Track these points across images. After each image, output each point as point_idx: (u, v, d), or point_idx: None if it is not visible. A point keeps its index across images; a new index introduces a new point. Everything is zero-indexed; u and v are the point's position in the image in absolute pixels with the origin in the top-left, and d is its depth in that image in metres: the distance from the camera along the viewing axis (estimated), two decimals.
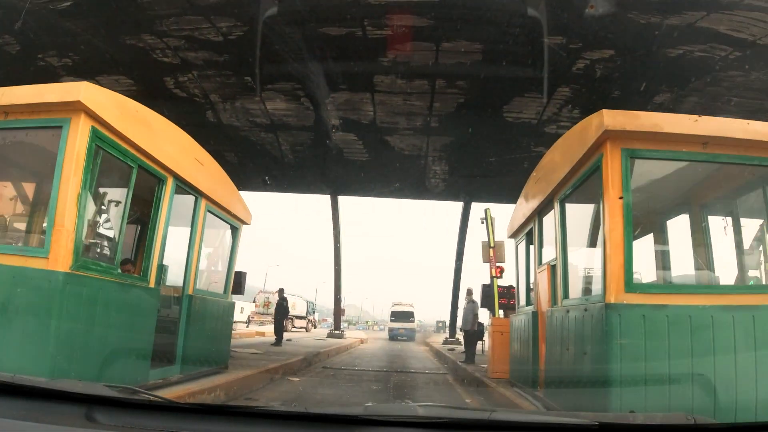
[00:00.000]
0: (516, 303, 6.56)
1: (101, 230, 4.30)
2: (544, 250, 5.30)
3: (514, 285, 7.78)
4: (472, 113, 12.02)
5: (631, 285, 3.38)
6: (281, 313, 11.61)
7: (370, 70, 10.78)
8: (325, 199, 15.42)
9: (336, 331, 17.26)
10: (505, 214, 13.68)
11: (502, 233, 9.39)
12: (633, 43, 9.80)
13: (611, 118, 3.49)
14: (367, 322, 70.65)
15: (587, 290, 4.46)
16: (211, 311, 5.67)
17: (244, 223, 6.75)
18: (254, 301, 28.78)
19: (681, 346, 3.22)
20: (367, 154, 13.33)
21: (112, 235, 4.27)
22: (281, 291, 11.98)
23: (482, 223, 9.04)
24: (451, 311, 16.66)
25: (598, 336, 3.39)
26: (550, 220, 4.96)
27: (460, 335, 17.49)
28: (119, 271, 4.09)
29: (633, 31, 9.03)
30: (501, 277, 7.93)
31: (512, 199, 14.91)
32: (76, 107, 3.69)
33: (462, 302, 17.71)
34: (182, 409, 1.41)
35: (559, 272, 4.47)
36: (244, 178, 15.11)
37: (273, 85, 11.77)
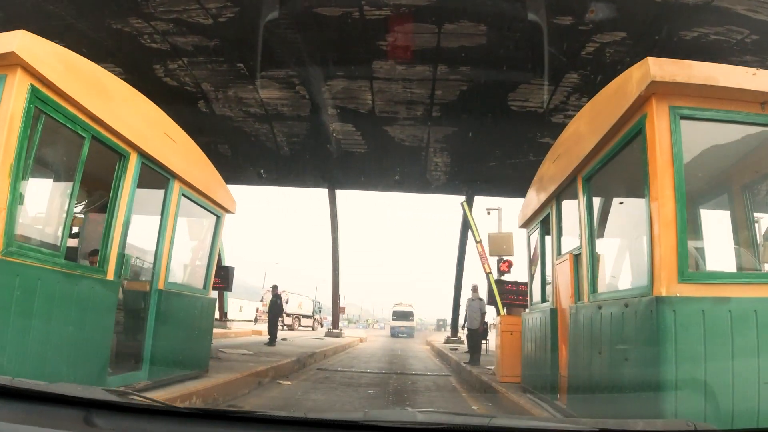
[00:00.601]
0: (528, 299, 5.84)
1: (45, 212, 3.60)
2: (563, 238, 4.58)
3: (522, 279, 7.05)
4: (476, 102, 11.31)
5: (686, 273, 2.67)
6: (275, 311, 10.91)
7: (369, 54, 10.08)
8: (322, 194, 14.72)
9: (334, 330, 16.52)
10: (509, 208, 12.93)
11: (510, 225, 8.71)
12: (646, 25, 9.08)
13: (659, 68, 2.78)
14: (367, 320, 69.99)
15: (622, 282, 3.77)
16: (186, 308, 4.96)
17: (227, 211, 6.05)
18: (261, 300, 28.77)
19: (747, 348, 2.51)
20: (365, 145, 12.63)
21: (59, 218, 3.56)
22: (275, 288, 11.29)
23: (488, 214, 8.32)
24: (453, 309, 15.91)
25: (646, 336, 2.68)
26: (571, 203, 4.25)
27: (462, 334, 16.78)
28: (64, 260, 3.37)
29: (646, 12, 8.33)
30: (509, 271, 7.22)
31: (516, 192, 14.19)
32: (11, 60, 3.00)
33: (465, 300, 17.02)
34: (181, 413, 1.37)
35: (584, 262, 3.75)
36: (239, 171, 14.41)
37: (266, 72, 11.06)
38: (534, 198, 5.41)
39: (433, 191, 14.22)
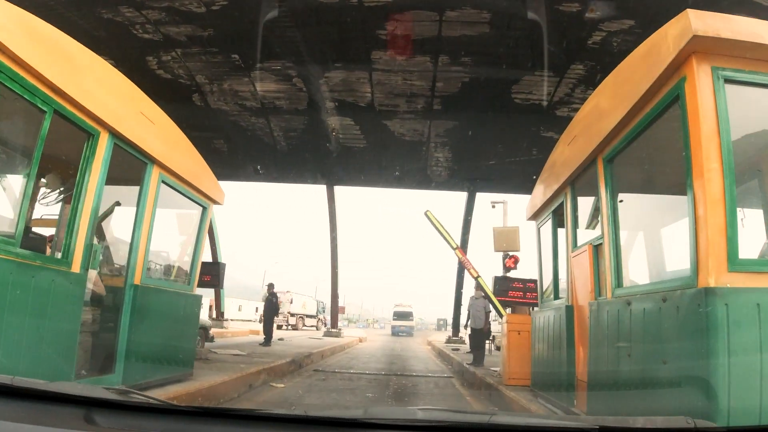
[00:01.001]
0: (539, 297, 5.39)
1: None
2: (578, 229, 4.14)
3: (529, 276, 6.59)
4: (478, 94, 10.89)
5: (736, 261, 2.23)
6: (270, 309, 10.45)
7: (367, 44, 9.66)
8: (321, 191, 14.28)
9: (333, 330, 16.04)
10: (513, 203, 12.47)
11: (516, 219, 8.26)
12: (655, 13, 8.64)
13: (701, 22, 2.35)
14: (367, 320, 69.51)
15: (655, 274, 3.34)
16: (167, 305, 4.51)
17: (214, 202, 5.61)
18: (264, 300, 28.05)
19: None
20: (364, 140, 12.19)
21: (15, 202, 3.12)
22: (270, 286, 10.83)
23: (493, 208, 7.87)
24: (454, 308, 15.45)
25: (690, 335, 2.24)
26: (590, 187, 3.81)
27: (463, 334, 16.32)
28: (20, 248, 2.94)
29: None
30: (516, 268, 6.76)
31: (519, 188, 13.77)
32: None
33: (466, 298, 16.53)
34: (181, 411, 1.36)
35: (607, 253, 3.31)
36: (235, 168, 13.99)
37: (262, 64, 10.64)
38: (544, 187, 4.97)
39: (434, 187, 13.79)
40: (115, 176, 3.74)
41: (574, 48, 9.73)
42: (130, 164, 3.99)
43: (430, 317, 64.53)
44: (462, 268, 14.58)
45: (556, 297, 4.68)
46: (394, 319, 32.98)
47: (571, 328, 3.92)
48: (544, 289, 5.15)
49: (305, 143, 12.56)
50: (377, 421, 1.25)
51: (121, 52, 10.67)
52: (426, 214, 7.17)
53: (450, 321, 34.74)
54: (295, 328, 24.85)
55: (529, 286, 6.29)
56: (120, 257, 4.36)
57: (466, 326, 10.87)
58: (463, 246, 14.63)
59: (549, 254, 4.85)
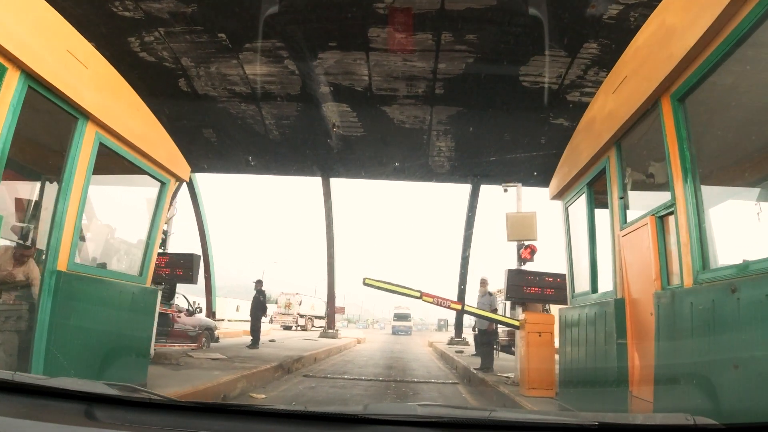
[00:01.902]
0: (569, 291, 4.42)
1: None
2: (629, 200, 3.18)
3: (546, 268, 5.62)
4: (483, 77, 9.96)
5: None
6: (257, 308, 9.45)
7: (364, 20, 8.72)
8: (316, 183, 13.33)
9: (330, 331, 15.04)
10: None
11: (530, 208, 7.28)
12: None
13: None
14: (367, 320, 68.43)
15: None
16: (108, 299, 3.56)
17: (177, 178, 4.67)
18: (276, 302, 29.45)
19: None
20: (362, 128, 11.25)
21: None
22: (258, 283, 9.83)
23: (505, 191, 6.90)
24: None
25: None
26: (646, 144, 2.86)
27: (467, 334, 15.33)
28: None
29: None
30: (532, 259, 5.81)
31: (526, 180, 12.78)
32: None
33: (470, 296, 15.53)
34: (182, 407, 1.31)
35: (683, 224, 2.37)
36: (226, 159, 13.05)
37: (251, 44, 9.72)
38: (576, 155, 4.04)
39: (436, 180, 12.85)
40: (33, 131, 2.78)
41: (588, 23, 8.79)
42: (55, 117, 3.03)
43: (431, 317, 63.40)
44: (466, 262, 13.62)
45: (595, 290, 3.73)
46: (394, 320, 37.15)
47: (622, 327, 2.97)
48: (575, 281, 4.19)
49: (299, 132, 11.63)
50: (377, 417, 1.22)
51: (101, 32, 9.74)
52: (365, 282, 5.96)
53: (451, 321, 33.58)
54: (304, 328, 25.53)
55: (547, 281, 5.32)
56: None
57: (474, 328, 9.89)
58: (467, 242, 13.65)
59: (582, 238, 3.89)
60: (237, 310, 31.73)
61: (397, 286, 5.75)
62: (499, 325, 10.47)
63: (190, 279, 6.09)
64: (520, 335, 5.01)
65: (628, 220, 3.15)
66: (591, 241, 3.84)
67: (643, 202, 3.06)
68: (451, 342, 14.72)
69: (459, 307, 5.91)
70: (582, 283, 4.07)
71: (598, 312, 3.39)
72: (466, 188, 13.16)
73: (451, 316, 25.67)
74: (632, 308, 2.93)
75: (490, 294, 7.71)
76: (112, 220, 3.95)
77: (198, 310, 9.68)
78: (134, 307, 3.89)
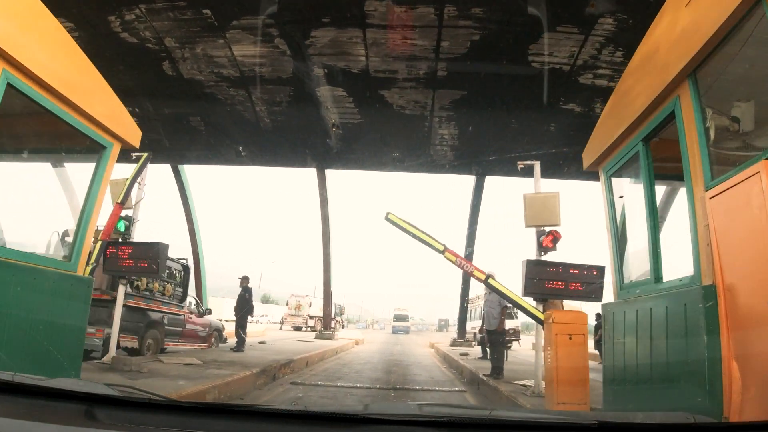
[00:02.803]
0: (616, 280, 3.51)
1: None
2: (713, 148, 2.30)
3: (567, 258, 4.73)
4: (489, 56, 9.13)
5: None
6: (242, 308, 8.54)
7: None
8: (311, 175, 12.48)
9: (326, 332, 14.15)
10: (521, 189, 10.63)
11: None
12: None
13: None
14: (366, 321, 67.59)
15: None
16: (15, 289, 2.68)
17: (122, 143, 3.80)
18: (287, 304, 30.52)
19: None
20: (359, 114, 10.40)
21: None
22: (244, 279, 8.92)
23: (521, 169, 6.02)
24: (460, 305, 13.56)
25: None
26: (732, 75, 2.00)
27: (468, 334, 14.46)
28: None
29: None
30: (554, 248, 4.92)
31: (533, 173, 11.90)
32: None
33: (475, 295, 14.60)
34: (182, 407, 1.32)
35: None
36: (215, 149, 12.19)
37: (238, 21, 8.89)
38: (623, 106, 3.19)
39: (438, 171, 11.98)
40: None
41: None
42: None
43: (431, 317, 62.40)
44: (470, 256, 12.71)
45: (658, 277, 2.84)
46: (393, 321, 41.49)
47: (714, 326, 2.09)
48: (624, 268, 3.31)
49: (292, 119, 10.77)
50: (378, 417, 1.20)
51: (79, 11, 8.91)
52: (388, 217, 5.13)
53: (452, 321, 32.35)
54: (314, 329, 25.70)
55: (572, 273, 4.45)
56: None
57: (480, 329, 8.99)
58: (471, 237, 12.78)
59: (634, 212, 3.03)
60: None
61: (422, 232, 4.90)
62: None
63: (155, 271, 5.24)
64: (546, 337, 4.13)
65: (714, 176, 2.27)
66: (651, 214, 2.97)
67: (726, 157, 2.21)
68: (454, 343, 13.83)
69: (482, 276, 4.94)
70: (636, 270, 3.21)
71: (672, 306, 2.52)
72: (470, 180, 12.30)
73: (452, 315, 24.60)
74: (731, 298, 2.07)
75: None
76: (35, 193, 3.11)
77: (208, 311, 9.71)
78: (56, 299, 3.03)
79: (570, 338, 3.82)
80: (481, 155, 11.28)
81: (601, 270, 4.57)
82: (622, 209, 3.55)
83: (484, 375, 6.22)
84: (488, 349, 9.04)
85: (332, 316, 34.24)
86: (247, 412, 1.29)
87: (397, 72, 9.52)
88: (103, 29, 9.28)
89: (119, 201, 5.18)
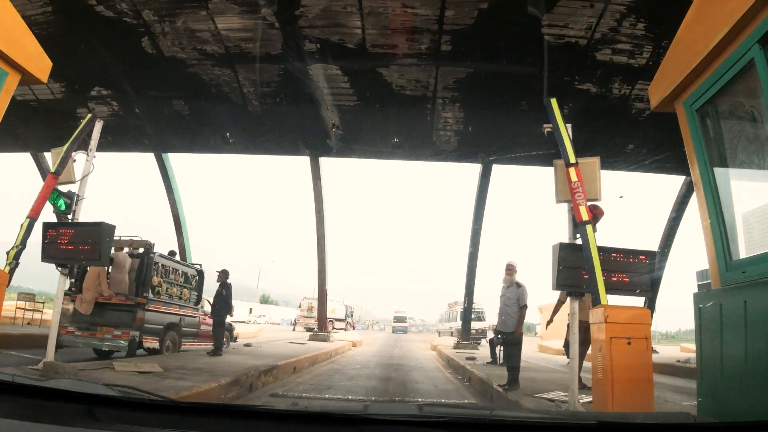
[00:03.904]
0: (716, 259, 2.43)
1: None
2: None
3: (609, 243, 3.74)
4: (498, 28, 8.16)
5: None
6: (221, 305, 7.51)
7: None
8: (304, 163, 11.48)
9: (320, 333, 13.13)
10: (531, 177, 9.62)
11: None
12: None
13: None
14: (366, 321, 66.49)
15: None
16: None
17: (22, 73, 2.82)
18: (299, 306, 31.82)
19: None
20: (355, 96, 9.44)
21: None
22: (223, 274, 7.86)
23: (546, 134, 5.01)
24: (464, 303, 12.51)
25: None
26: None
27: (446, 333, 13.40)
28: None
29: None
30: (594, 226, 3.87)
31: (547, 159, 10.91)
32: None
33: (483, 291, 13.57)
34: (183, 408, 1.32)
35: None
36: (201, 136, 11.18)
37: None
38: (721, 6, 2.15)
39: (441, 158, 10.98)
40: None
41: None
42: None
43: (432, 317, 61.16)
44: (475, 256, 11.71)
45: None
46: (393, 322, 44.53)
47: None
48: (730, 241, 2.30)
49: (281, 101, 9.79)
50: (378, 417, 1.20)
51: None
52: (549, 101, 4.41)
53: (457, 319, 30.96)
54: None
55: (616, 260, 3.46)
56: None
57: (495, 331, 7.93)
58: (476, 231, 11.76)
59: (743, 156, 2.01)
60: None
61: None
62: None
63: (98, 258, 4.25)
64: (593, 342, 3.14)
65: None
66: None
67: None
68: (458, 345, 12.81)
69: (586, 217, 3.73)
70: (752, 243, 2.20)
71: None
72: (476, 169, 11.27)
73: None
74: None
75: (519, 285, 5.72)
76: None
77: None
78: None
79: (629, 343, 2.83)
80: (488, 141, 10.28)
81: (651, 256, 3.58)
82: (719, 152, 2.53)
83: (499, 385, 5.19)
84: (499, 353, 8.03)
85: (343, 317, 35.62)
86: (247, 412, 1.29)
87: (396, 47, 8.56)
88: (78, 3, 8.36)
89: (53, 171, 4.23)
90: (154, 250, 7.31)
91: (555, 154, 6.87)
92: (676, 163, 11.50)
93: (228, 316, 7.40)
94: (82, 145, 4.57)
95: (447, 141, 10.11)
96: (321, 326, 13.30)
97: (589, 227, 3.54)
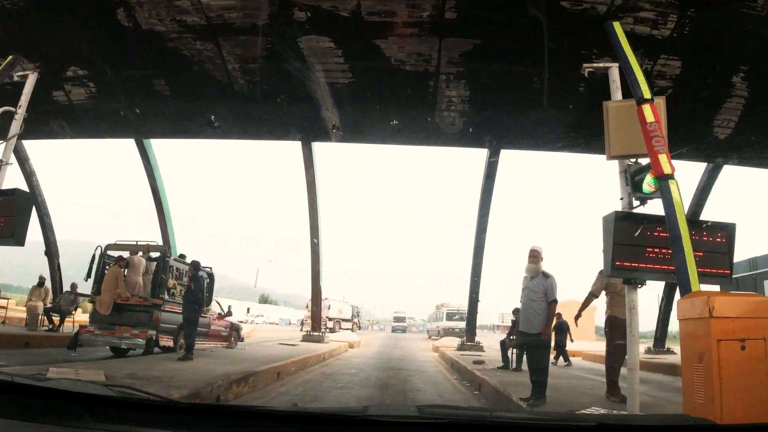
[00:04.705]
0: None
1: None
2: None
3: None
4: None
5: None
6: (192, 302, 6.48)
7: None
8: (296, 148, 10.50)
9: (314, 333, 12.16)
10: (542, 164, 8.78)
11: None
12: None
13: None
14: (367, 321, 65.46)
15: None
16: None
17: None
18: (306, 307, 31.87)
19: None
20: (350, 72, 8.51)
21: None
22: (194, 265, 6.79)
23: (588, 75, 4.08)
24: (469, 302, 11.54)
25: None
26: None
27: (483, 337, 12.42)
28: None
29: None
30: (657, 192, 2.88)
31: (560, 141, 9.92)
32: None
33: (489, 290, 12.59)
34: (182, 408, 1.34)
35: None
36: (184, 119, 10.22)
37: None
38: None
39: (445, 142, 10.03)
40: None
41: None
42: None
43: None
44: (481, 249, 10.72)
45: None
46: (393, 322, 45.18)
47: None
48: None
49: (270, 80, 8.88)
50: (378, 418, 1.18)
51: None
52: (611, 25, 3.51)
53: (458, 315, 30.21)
54: (332, 330, 26.96)
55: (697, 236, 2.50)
56: None
57: (510, 336, 6.96)
58: (482, 222, 10.78)
59: None
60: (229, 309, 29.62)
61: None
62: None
63: (11, 235, 3.31)
64: (689, 347, 2.21)
65: None
66: None
67: None
68: (462, 347, 11.84)
69: (666, 170, 2.69)
70: None
71: None
72: (482, 155, 10.29)
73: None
74: None
75: (546, 275, 4.54)
76: None
77: (228, 313, 10.43)
78: None
79: (743, 348, 1.92)
80: (496, 123, 9.31)
81: (728, 232, 2.64)
82: None
83: (522, 399, 4.21)
84: (511, 357, 7.06)
85: (350, 317, 36.02)
86: (247, 412, 1.29)
87: (395, 15, 7.62)
88: None
89: None
90: (169, 254, 7.76)
91: (573, 137, 5.89)
92: (699, 149, 10.55)
93: (201, 313, 6.44)
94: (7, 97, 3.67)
95: (451, 123, 9.16)
96: (315, 326, 12.32)
97: (673, 184, 2.62)
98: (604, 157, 4.59)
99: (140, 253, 7.80)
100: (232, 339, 9.81)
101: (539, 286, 4.54)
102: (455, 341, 13.66)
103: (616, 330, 4.28)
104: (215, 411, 1.26)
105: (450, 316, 26.39)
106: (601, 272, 4.53)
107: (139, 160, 11.21)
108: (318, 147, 10.64)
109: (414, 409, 1.24)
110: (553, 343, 4.61)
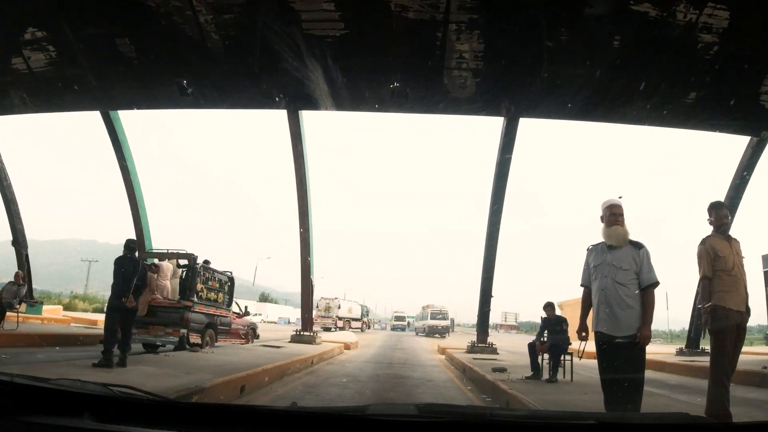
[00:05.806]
0: None
1: None
2: None
3: None
4: None
5: None
6: (119, 291, 4.94)
7: None
8: (282, 118, 9.04)
9: (305, 334, 10.68)
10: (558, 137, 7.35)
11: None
12: None
13: None
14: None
15: None
16: None
17: None
18: (317, 306, 31.26)
19: None
20: (342, 22, 7.06)
21: None
22: (129, 245, 5.36)
23: None
24: (480, 297, 10.08)
25: None
26: None
27: (492, 338, 10.90)
28: None
29: None
30: None
31: (585, 110, 8.46)
32: None
33: (499, 288, 11.05)
34: (182, 408, 1.35)
35: None
36: (152, 85, 8.78)
37: None
38: None
39: (454, 110, 8.55)
40: None
41: None
42: None
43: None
44: (493, 238, 9.24)
45: None
46: (394, 321, 45.38)
47: None
48: None
49: (247, 34, 7.36)
50: (378, 418, 1.18)
51: None
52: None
53: (460, 320, 28.97)
54: (342, 330, 27.37)
55: None
56: None
57: (541, 339, 5.49)
58: (495, 218, 9.25)
59: None
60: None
61: None
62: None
63: None
64: None
65: None
66: None
67: None
68: (473, 349, 10.35)
69: None
70: None
71: None
72: (497, 123, 8.78)
73: (459, 314, 21.23)
74: None
75: (638, 246, 2.85)
76: None
77: (247, 313, 10.89)
78: None
79: None
80: (514, 87, 7.83)
81: None
82: None
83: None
84: (542, 363, 5.59)
85: (359, 316, 36.31)
86: (247, 412, 1.32)
87: None
88: None
89: None
90: (198, 261, 8.22)
91: (610, 101, 4.41)
92: (746, 121, 9.05)
93: (127, 305, 4.98)
94: None
95: (462, 85, 7.71)
96: (305, 325, 10.85)
97: None
98: (638, 127, 3.26)
99: (166, 260, 8.57)
100: (250, 337, 10.44)
101: (628, 261, 2.82)
102: (463, 342, 12.20)
103: (725, 327, 2.86)
104: (215, 411, 1.28)
105: (434, 316, 30.00)
106: (703, 241, 3.04)
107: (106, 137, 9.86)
108: (311, 134, 9.20)
109: (413, 408, 1.24)
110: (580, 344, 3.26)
